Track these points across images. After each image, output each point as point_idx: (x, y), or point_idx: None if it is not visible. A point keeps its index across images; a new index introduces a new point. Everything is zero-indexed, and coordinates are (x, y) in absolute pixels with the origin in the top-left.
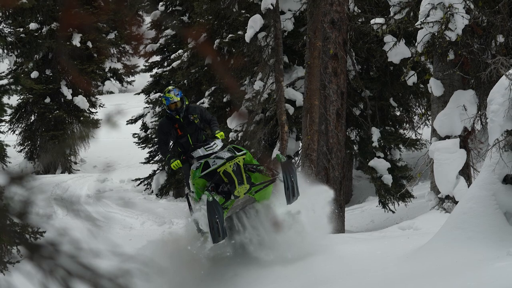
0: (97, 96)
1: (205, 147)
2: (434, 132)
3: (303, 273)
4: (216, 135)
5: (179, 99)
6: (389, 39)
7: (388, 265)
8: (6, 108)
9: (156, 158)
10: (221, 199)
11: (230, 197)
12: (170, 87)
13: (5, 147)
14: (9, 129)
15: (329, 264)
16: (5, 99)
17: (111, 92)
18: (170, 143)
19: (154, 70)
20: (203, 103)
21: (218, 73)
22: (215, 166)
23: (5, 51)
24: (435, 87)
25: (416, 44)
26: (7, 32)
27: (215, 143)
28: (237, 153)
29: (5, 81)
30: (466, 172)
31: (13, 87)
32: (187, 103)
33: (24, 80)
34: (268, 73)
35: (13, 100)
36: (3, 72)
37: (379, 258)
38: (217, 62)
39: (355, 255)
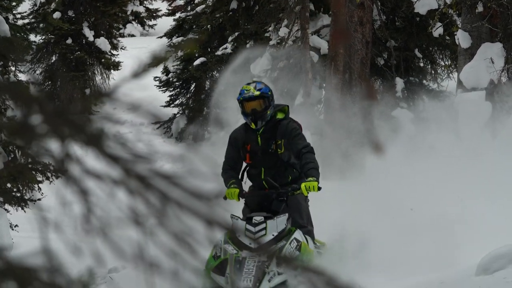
0: (119, 39)
1: (250, 227)
2: (460, 84)
3: None
4: (299, 189)
5: (258, 93)
6: None
7: None
8: (33, 45)
9: (177, 102)
10: None
11: None
12: (252, 80)
13: (30, 85)
14: (30, 68)
15: None
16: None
17: (133, 35)
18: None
19: (177, 14)
20: (225, 48)
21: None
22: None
23: None
24: (462, 39)
25: None
26: None
27: (263, 229)
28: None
29: (26, 21)
30: (491, 125)
31: (41, 25)
32: (279, 116)
33: (52, 19)
34: (293, 20)
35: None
36: (25, 12)
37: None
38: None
39: None
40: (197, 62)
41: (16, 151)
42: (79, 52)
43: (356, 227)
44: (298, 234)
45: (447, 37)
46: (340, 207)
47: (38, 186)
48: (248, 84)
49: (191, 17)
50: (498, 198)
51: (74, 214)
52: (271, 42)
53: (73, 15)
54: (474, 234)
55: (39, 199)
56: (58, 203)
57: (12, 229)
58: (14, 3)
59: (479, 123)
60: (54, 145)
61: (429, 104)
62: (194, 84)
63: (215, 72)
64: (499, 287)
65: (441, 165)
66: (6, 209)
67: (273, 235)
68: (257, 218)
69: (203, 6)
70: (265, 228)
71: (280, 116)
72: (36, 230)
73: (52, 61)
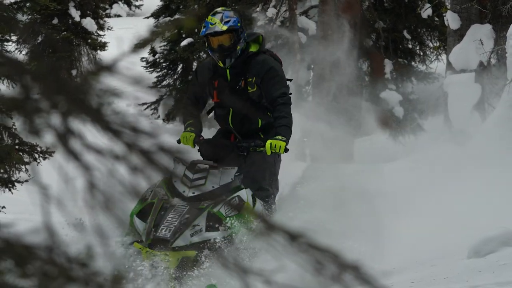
0: (105, 19)
1: (189, 173)
2: (449, 66)
3: None
4: (263, 147)
5: (226, 28)
6: None
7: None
8: (20, 25)
9: (164, 83)
10: None
11: None
12: (219, 9)
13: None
14: (16, 49)
15: None
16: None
17: (119, 16)
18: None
19: None
20: None
21: None
22: (141, 236)
23: None
24: (451, 20)
25: None
26: None
27: (203, 178)
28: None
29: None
30: (480, 107)
31: (27, 4)
32: (252, 49)
33: None
34: (281, 0)
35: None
36: None
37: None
38: None
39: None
40: (184, 43)
41: (3, 132)
42: (65, 32)
43: (341, 208)
44: (243, 193)
45: (436, 18)
46: (327, 189)
47: (25, 167)
48: (214, 14)
49: None
50: (486, 180)
51: (75, 190)
52: (259, 23)
53: None
54: (463, 217)
55: (26, 181)
56: (60, 179)
57: (0, 211)
58: None
59: (468, 105)
60: (55, 120)
61: (418, 86)
62: (181, 65)
63: (203, 53)
64: (492, 270)
65: (430, 148)
66: None
67: (213, 187)
68: (201, 166)
69: None
70: (205, 178)
71: (253, 49)
72: (24, 212)
73: (39, 41)
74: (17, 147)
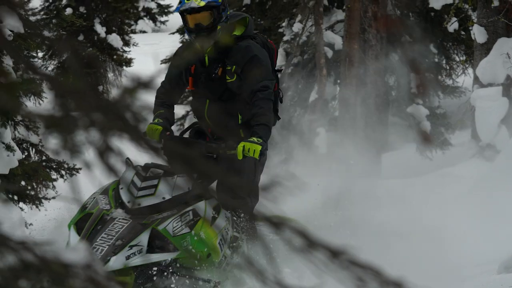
0: (131, 35)
1: (137, 180)
2: (476, 80)
3: None
4: (234, 150)
5: (203, 4)
6: None
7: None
8: (46, 42)
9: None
10: None
11: None
12: None
13: (43, 82)
14: (42, 65)
15: None
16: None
17: (144, 32)
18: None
19: None
20: None
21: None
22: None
23: None
24: (478, 33)
25: None
26: None
27: (152, 187)
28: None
29: (38, 17)
30: (508, 121)
31: (53, 21)
32: (236, 33)
33: (65, 15)
34: (307, 15)
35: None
36: (36, 9)
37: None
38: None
39: None
40: None
41: (30, 149)
42: (91, 49)
43: (369, 225)
44: (201, 206)
45: (463, 32)
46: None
47: (53, 184)
48: None
49: None
50: None
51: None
52: (285, 38)
53: (85, 11)
54: (493, 232)
55: (54, 198)
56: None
57: (27, 228)
58: None
59: (496, 119)
60: (94, 137)
61: (445, 100)
62: None
63: None
64: None
65: (457, 163)
66: (21, 208)
67: (163, 198)
68: (154, 171)
69: None
70: (155, 186)
71: (237, 32)
72: (48, 228)
73: (64, 57)
74: (44, 164)
